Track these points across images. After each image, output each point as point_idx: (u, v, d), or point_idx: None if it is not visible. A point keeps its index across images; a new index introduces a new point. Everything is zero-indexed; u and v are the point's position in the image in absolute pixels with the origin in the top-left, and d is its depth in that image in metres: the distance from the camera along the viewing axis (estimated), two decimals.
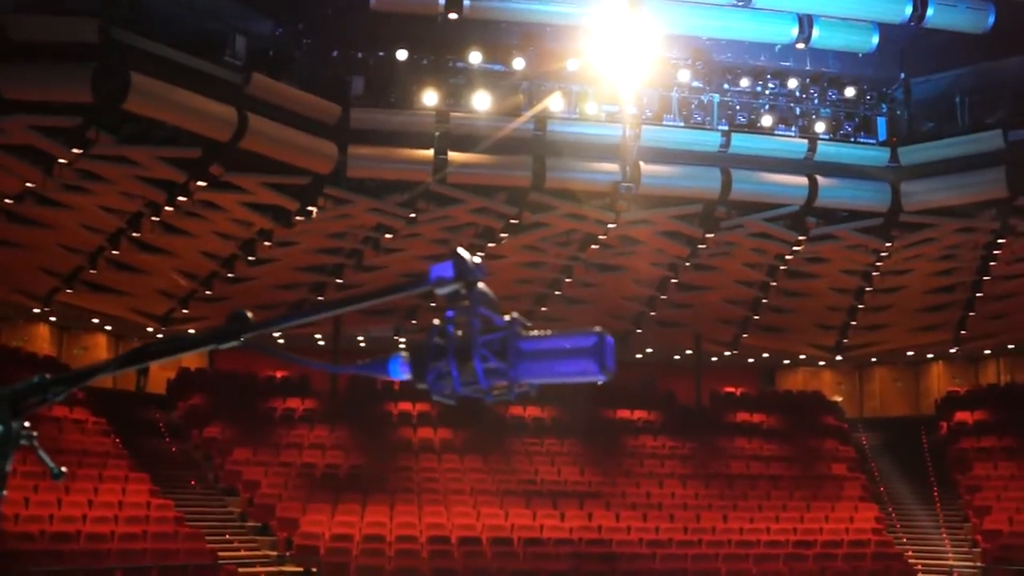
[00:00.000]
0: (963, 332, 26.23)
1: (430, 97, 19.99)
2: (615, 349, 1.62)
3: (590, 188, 20.97)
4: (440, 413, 24.85)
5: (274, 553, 20.22)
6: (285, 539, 20.09)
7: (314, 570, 19.28)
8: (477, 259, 1.64)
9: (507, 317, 1.64)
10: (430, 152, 19.83)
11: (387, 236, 22.11)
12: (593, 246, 22.98)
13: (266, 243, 21.70)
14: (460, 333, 1.63)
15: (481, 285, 1.64)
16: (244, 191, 19.56)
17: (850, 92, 21.70)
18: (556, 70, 20.47)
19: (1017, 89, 20.73)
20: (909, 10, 19.45)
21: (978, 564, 21.99)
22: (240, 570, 18.77)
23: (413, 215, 21.23)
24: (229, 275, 23.05)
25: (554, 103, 20.34)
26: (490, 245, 22.33)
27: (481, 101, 20.05)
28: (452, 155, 19.81)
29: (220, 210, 20.28)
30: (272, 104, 18.35)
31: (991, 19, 19.66)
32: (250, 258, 22.29)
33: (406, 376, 1.66)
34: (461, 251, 1.64)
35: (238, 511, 21.75)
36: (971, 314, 25.30)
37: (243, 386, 26.10)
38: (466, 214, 21.73)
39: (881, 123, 22.06)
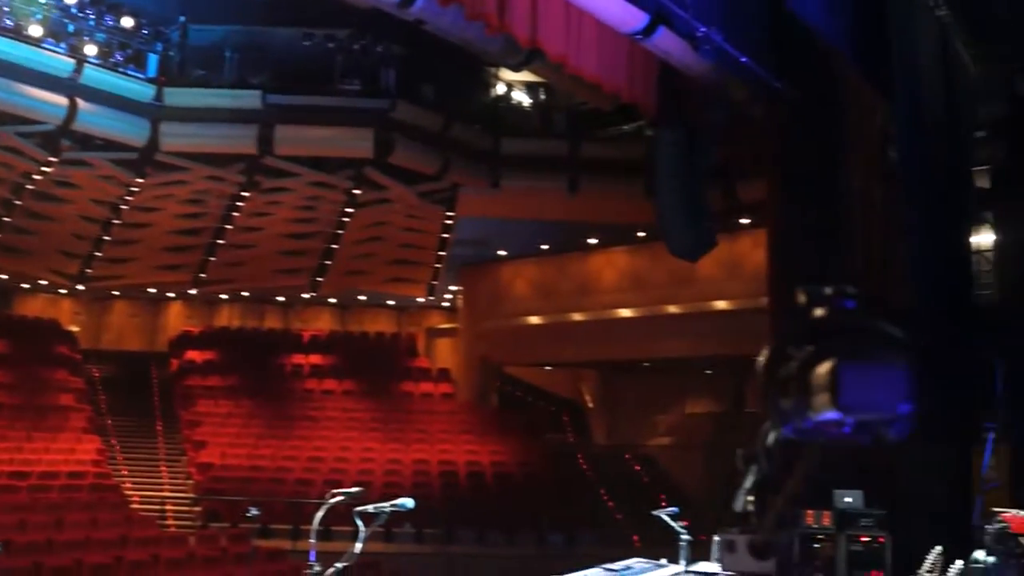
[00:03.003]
0: (203, 275, 27.30)
1: None
2: None
3: None
4: None
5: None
6: None
7: None
8: None
9: None
10: None
11: None
12: None
13: None
14: None
15: None
16: None
17: (128, 22, 21.31)
18: None
19: (279, 57, 22.13)
20: None
21: (191, 495, 23.22)
22: None
23: None
24: None
25: None
26: None
27: None
28: None
29: None
30: None
31: None
32: None
33: None
34: None
35: None
36: (212, 259, 26.40)
37: None
38: None
39: (153, 60, 21.94)
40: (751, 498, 2.31)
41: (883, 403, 2.18)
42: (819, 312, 2.29)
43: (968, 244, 16.06)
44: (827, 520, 13.63)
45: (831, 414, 2.17)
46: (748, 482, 2.34)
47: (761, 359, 2.26)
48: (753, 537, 2.17)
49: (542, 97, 25.67)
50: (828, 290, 2.30)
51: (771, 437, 2.33)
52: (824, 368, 2.17)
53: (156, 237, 25.53)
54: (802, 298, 2.29)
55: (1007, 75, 16.00)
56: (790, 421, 2.25)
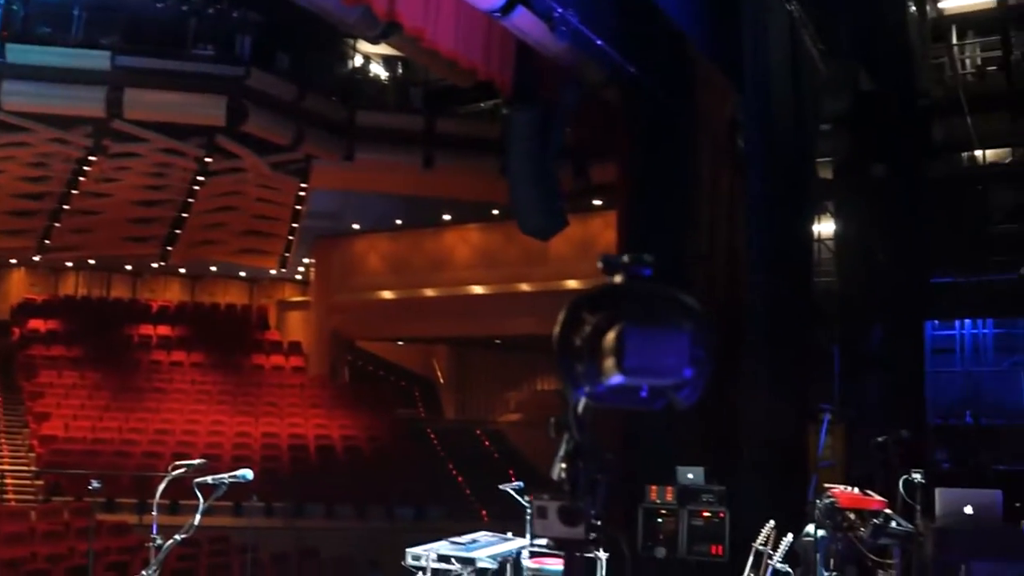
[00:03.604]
0: (47, 241, 26.46)
1: None
2: None
3: None
4: None
5: None
6: None
7: None
8: None
9: None
10: None
11: None
12: None
13: None
14: None
15: None
16: None
17: None
18: None
19: (131, 18, 21.52)
20: None
21: (33, 468, 22.57)
22: None
23: None
24: None
25: None
26: None
27: None
28: None
29: None
30: None
31: None
32: None
33: None
34: None
35: None
36: (57, 225, 25.61)
37: None
38: None
39: None
40: (564, 465, 2.48)
41: (668, 368, 2.37)
42: (616, 279, 2.48)
43: (810, 233, 16.89)
44: (670, 495, 14.23)
45: (618, 378, 2.35)
46: (561, 450, 2.51)
47: (557, 325, 2.45)
48: (563, 503, 2.34)
49: (399, 71, 25.69)
50: (625, 258, 2.48)
51: (581, 404, 2.52)
52: (612, 333, 2.35)
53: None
54: (600, 265, 2.48)
55: (852, 71, 16.81)
56: (583, 386, 2.44)
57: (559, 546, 2.55)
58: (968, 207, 19.48)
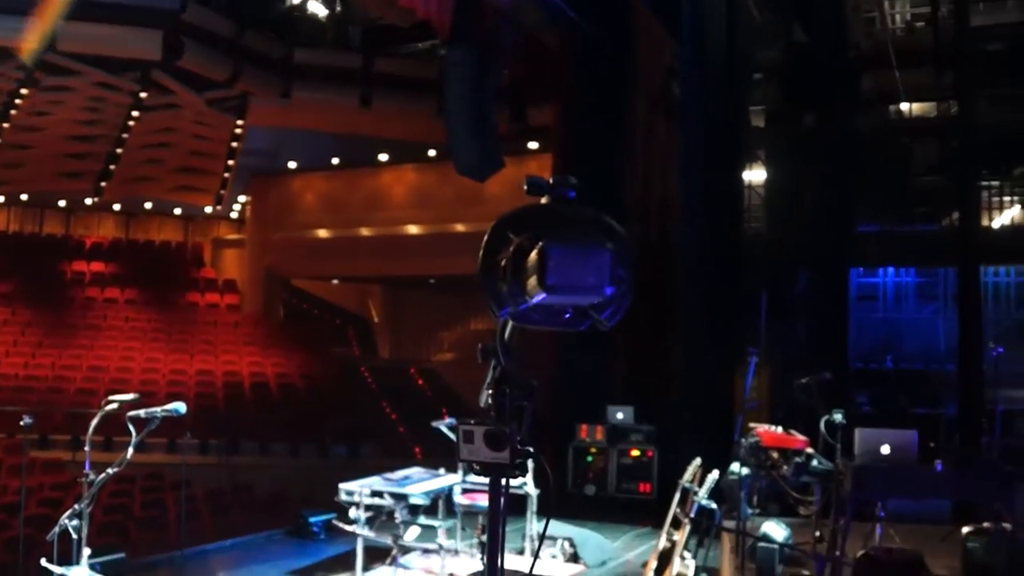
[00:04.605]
0: None
1: None
2: None
3: None
4: None
5: None
6: None
7: None
8: None
9: None
10: None
11: None
12: None
13: None
14: None
15: None
16: None
17: None
18: None
19: None
20: None
21: None
22: None
23: None
24: None
25: None
26: None
27: None
28: None
29: None
30: None
31: None
32: None
33: None
34: None
35: None
36: None
37: None
38: None
39: None
40: (490, 391, 2.60)
41: (589, 285, 2.44)
42: (542, 200, 2.58)
43: (741, 180, 17.22)
44: (600, 435, 14.59)
45: (540, 296, 2.43)
46: (488, 376, 2.63)
47: (482, 246, 2.56)
48: (489, 428, 2.45)
49: (338, 9, 25.42)
50: (550, 179, 2.59)
51: (507, 330, 2.65)
52: (535, 251, 2.41)
53: None
54: (525, 187, 2.58)
55: (785, 22, 17.06)
56: (507, 305, 2.52)
57: (485, 470, 2.72)
58: (894, 159, 19.97)
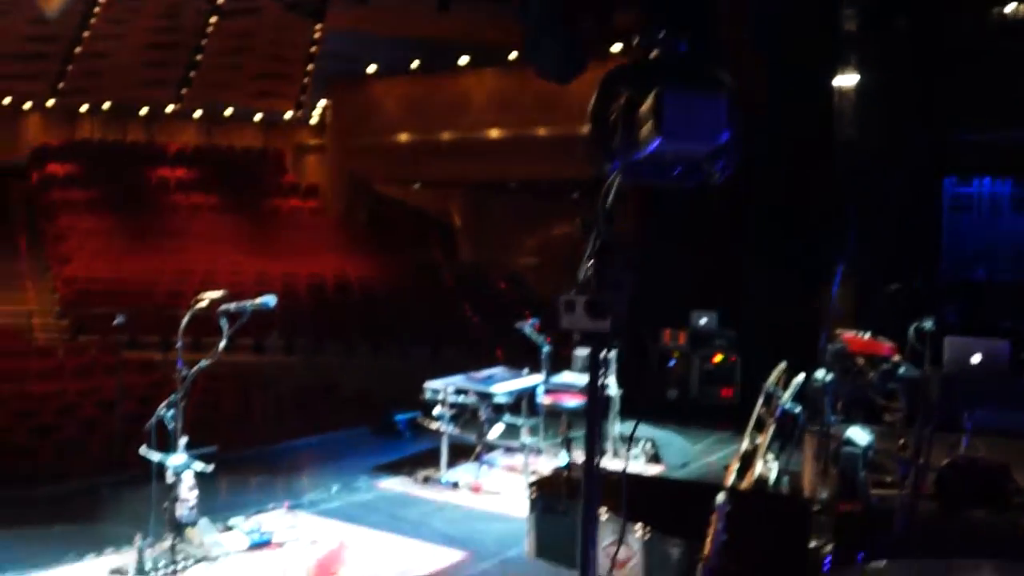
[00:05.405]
0: (61, 85, 26.30)
1: None
2: None
3: None
4: None
5: None
6: None
7: None
8: None
9: None
10: None
11: None
12: None
13: None
14: None
15: None
16: None
17: None
18: None
19: None
20: None
21: (57, 308, 23.02)
22: None
23: None
24: None
25: None
26: None
27: None
28: None
29: None
30: None
31: None
32: None
33: None
34: None
35: None
36: (69, 68, 25.42)
37: None
38: None
39: None
40: (591, 263, 2.55)
41: (704, 130, 2.38)
42: (652, 54, 2.51)
43: (831, 85, 16.69)
44: (683, 340, 14.49)
45: (655, 143, 2.36)
46: (589, 249, 2.58)
47: (592, 101, 2.49)
48: (590, 297, 2.43)
49: None
50: (662, 32, 2.50)
51: (610, 198, 2.58)
52: (649, 99, 2.36)
53: (5, 42, 24.36)
54: (636, 39, 2.51)
55: None
56: (618, 158, 2.46)
57: (585, 339, 2.69)
58: (994, 64, 19.17)
